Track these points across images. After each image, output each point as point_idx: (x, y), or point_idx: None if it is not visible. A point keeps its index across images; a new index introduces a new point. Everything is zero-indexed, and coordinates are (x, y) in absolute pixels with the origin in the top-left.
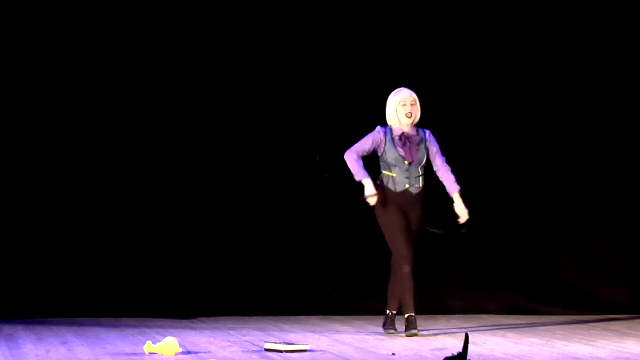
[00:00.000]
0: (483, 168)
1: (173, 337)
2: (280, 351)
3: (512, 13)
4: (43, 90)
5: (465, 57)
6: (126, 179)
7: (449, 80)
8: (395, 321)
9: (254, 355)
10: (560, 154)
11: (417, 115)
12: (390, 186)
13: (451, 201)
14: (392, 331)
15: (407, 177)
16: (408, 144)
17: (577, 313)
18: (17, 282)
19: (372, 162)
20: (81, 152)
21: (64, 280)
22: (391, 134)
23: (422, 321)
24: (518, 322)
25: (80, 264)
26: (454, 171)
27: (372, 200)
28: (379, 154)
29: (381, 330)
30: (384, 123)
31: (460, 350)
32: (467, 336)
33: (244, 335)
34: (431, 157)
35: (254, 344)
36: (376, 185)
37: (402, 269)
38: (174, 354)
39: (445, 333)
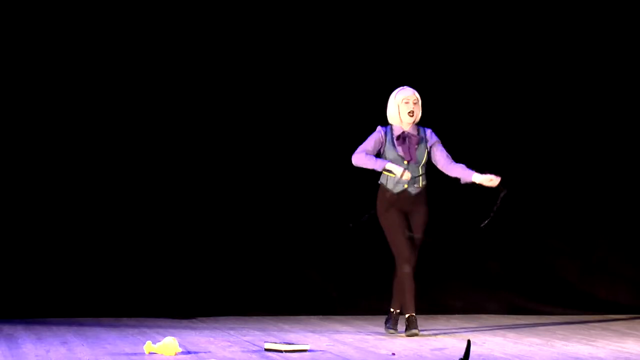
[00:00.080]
0: (483, 168)
1: (173, 337)
2: (280, 351)
3: (516, 11)
4: (43, 91)
5: (465, 57)
6: (126, 179)
7: (450, 80)
8: (398, 321)
9: (254, 355)
10: (561, 154)
11: (419, 114)
12: (390, 186)
13: (478, 186)
14: (392, 331)
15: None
16: (407, 142)
17: (577, 313)
18: (17, 282)
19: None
20: (81, 153)
21: (64, 280)
22: (391, 133)
23: (422, 321)
24: (518, 322)
25: (80, 264)
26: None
27: (407, 175)
28: (380, 153)
29: (381, 330)
30: (384, 123)
31: (462, 355)
32: (469, 343)
33: (244, 335)
34: (434, 157)
35: (254, 344)
36: (377, 186)
37: (403, 269)
38: (174, 354)
39: (445, 333)
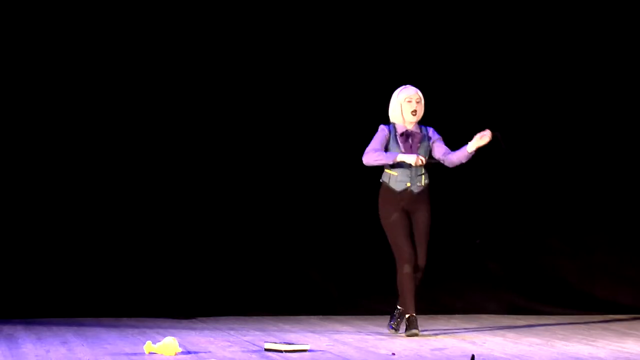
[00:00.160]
0: (483, 168)
1: (173, 337)
2: (280, 351)
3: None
4: (43, 91)
5: (466, 56)
6: (126, 179)
7: (450, 80)
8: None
9: (254, 355)
10: (561, 154)
11: (421, 113)
12: (392, 185)
13: (476, 150)
14: (392, 331)
15: (409, 176)
16: (410, 140)
17: (577, 313)
18: (17, 282)
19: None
20: (81, 153)
21: (64, 280)
22: (394, 131)
23: (422, 321)
24: (518, 322)
25: (80, 264)
26: (455, 170)
27: (421, 161)
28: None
29: (381, 330)
30: (386, 122)
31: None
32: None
33: (244, 335)
34: (435, 153)
35: (254, 344)
36: (379, 185)
37: (403, 270)
38: (174, 354)
39: (445, 333)
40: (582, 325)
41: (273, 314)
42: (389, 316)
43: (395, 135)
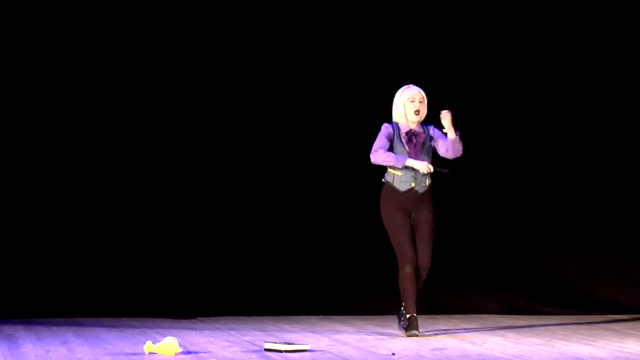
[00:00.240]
0: (483, 168)
1: (173, 337)
2: (280, 351)
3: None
4: (43, 91)
5: (469, 56)
6: (126, 179)
7: (451, 80)
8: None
9: (254, 355)
10: (561, 154)
11: (424, 112)
12: (396, 185)
13: (459, 134)
14: (404, 331)
15: (413, 176)
16: (414, 140)
17: (577, 313)
18: (17, 282)
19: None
20: (81, 153)
21: (64, 280)
22: (398, 130)
23: (422, 321)
24: (518, 322)
25: (80, 264)
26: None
27: (430, 168)
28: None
29: (381, 330)
30: (388, 121)
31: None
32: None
33: (244, 335)
34: (438, 149)
35: (254, 344)
36: (381, 184)
37: (404, 270)
38: (174, 354)
39: (445, 333)
40: (582, 325)
41: (273, 314)
42: (389, 316)
43: (399, 135)
